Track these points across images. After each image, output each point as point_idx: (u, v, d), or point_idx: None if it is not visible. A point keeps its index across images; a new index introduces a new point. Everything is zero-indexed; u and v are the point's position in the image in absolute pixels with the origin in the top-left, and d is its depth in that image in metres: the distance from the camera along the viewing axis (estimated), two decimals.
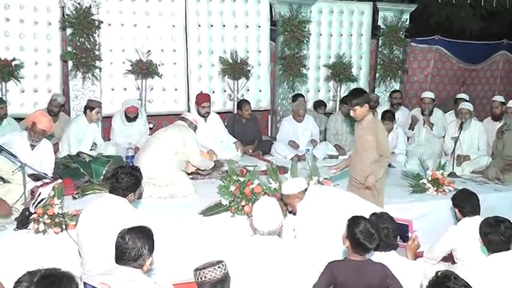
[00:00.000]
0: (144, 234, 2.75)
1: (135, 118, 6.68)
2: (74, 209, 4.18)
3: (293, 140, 7.23)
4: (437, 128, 6.95)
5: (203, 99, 6.72)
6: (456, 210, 3.94)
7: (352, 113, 4.37)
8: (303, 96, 7.89)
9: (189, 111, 7.47)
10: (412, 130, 7.12)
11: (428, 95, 7.11)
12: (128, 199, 3.38)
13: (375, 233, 2.98)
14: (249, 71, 7.90)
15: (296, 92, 8.05)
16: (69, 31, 6.83)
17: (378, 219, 3.23)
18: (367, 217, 3.15)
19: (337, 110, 8.35)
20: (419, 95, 9.26)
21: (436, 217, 5.12)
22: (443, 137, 7.03)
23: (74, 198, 4.86)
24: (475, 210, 3.86)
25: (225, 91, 7.97)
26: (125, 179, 3.34)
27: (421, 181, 5.55)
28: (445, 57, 9.75)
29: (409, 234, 3.59)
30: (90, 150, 6.15)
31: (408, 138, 7.22)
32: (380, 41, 8.71)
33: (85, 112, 6.21)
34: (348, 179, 4.65)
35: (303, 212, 3.77)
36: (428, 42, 9.64)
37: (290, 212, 4.14)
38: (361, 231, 2.96)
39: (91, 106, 6.18)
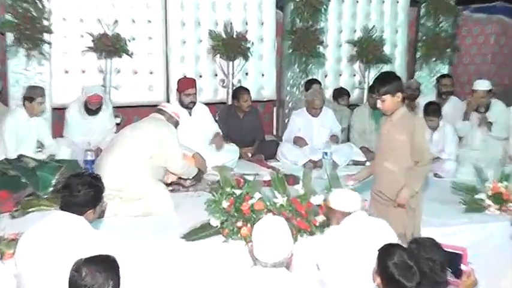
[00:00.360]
0: (107, 266, 2.76)
1: (97, 110, 6.73)
2: (12, 232, 4.16)
3: (304, 138, 7.22)
4: (498, 127, 6.96)
5: (187, 85, 6.75)
6: None
7: (379, 105, 4.40)
8: (319, 82, 7.91)
9: (168, 101, 7.46)
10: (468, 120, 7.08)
11: (481, 86, 7.09)
12: (85, 218, 3.37)
13: (413, 266, 2.97)
14: (249, 49, 7.93)
15: (310, 77, 8.06)
16: None
17: (420, 247, 3.23)
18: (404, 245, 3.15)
19: (365, 101, 8.32)
20: (474, 81, 9.27)
21: (499, 244, 5.10)
22: (507, 138, 7.04)
23: (13, 216, 4.83)
24: None
25: (216, 75, 8.00)
26: (81, 191, 3.34)
27: (477, 196, 5.52)
28: (511, 30, 9.71)
29: (463, 267, 3.56)
30: (36, 152, 6.15)
31: (460, 138, 7.19)
32: (422, 10, 8.76)
33: (24, 103, 6.19)
34: (370, 193, 4.65)
35: (330, 239, 3.77)
36: (488, 11, 9.64)
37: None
38: (396, 264, 2.96)
39: (30, 96, 6.14)
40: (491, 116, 6.99)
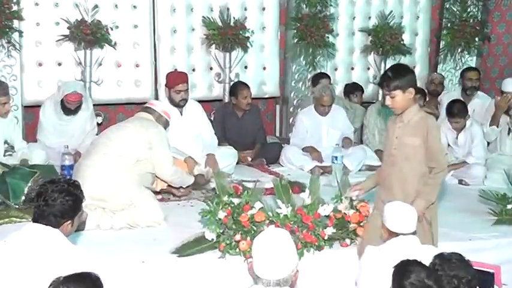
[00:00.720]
0: (88, 284, 2.76)
1: (76, 110, 6.73)
2: None
3: (312, 144, 7.24)
4: None
5: (177, 79, 6.72)
6: None
7: (388, 101, 4.35)
8: (329, 77, 7.94)
9: (157, 98, 7.49)
10: (497, 126, 7.09)
11: (510, 87, 7.06)
12: (61, 230, 3.36)
13: (433, 285, 2.98)
14: (248, 38, 7.95)
15: (318, 71, 8.08)
16: None
17: (444, 263, 3.23)
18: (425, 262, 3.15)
19: (380, 98, 8.34)
20: (506, 75, 9.24)
21: None
22: None
23: None
24: None
25: (211, 69, 8.03)
26: (58, 199, 3.32)
27: (509, 206, 5.54)
28: None
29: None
30: (4, 156, 6.18)
31: (488, 142, 7.22)
32: None
33: None
34: (374, 204, 4.62)
35: (370, 259, 3.79)
36: None
37: None
38: (413, 284, 2.98)
39: None
40: None
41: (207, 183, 5.99)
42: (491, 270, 3.63)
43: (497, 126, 7.09)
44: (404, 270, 3.04)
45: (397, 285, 3.02)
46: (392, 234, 3.83)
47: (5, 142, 6.38)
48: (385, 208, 3.88)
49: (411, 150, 4.31)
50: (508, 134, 7.04)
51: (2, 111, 6.19)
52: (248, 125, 7.46)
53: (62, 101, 6.65)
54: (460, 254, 3.34)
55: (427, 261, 3.59)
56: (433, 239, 4.34)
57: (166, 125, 5.60)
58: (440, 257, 3.29)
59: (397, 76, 4.32)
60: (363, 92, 8.32)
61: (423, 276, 2.99)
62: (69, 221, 3.38)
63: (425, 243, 4.06)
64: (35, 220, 3.36)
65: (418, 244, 3.76)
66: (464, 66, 8.51)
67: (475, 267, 3.34)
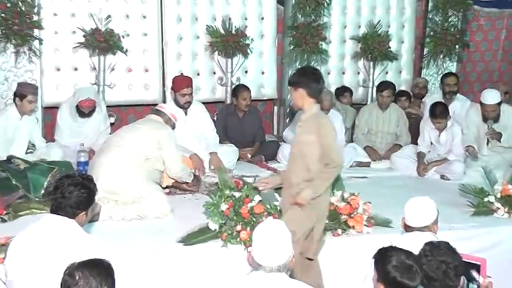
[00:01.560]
0: (100, 270, 2.75)
1: (90, 113, 6.71)
2: (3, 236, 4.17)
3: None
4: (509, 136, 6.90)
5: (182, 83, 6.70)
6: None
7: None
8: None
9: (164, 100, 7.48)
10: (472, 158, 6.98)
11: (490, 100, 6.78)
12: (77, 221, 3.37)
13: (413, 264, 2.98)
14: (248, 45, 7.94)
15: None
16: None
17: (434, 249, 3.23)
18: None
19: (370, 100, 8.36)
20: (483, 79, 9.30)
21: (508, 249, 5.11)
22: None
23: (3, 220, 4.86)
24: None
25: (214, 73, 8.00)
26: (74, 192, 3.33)
27: (486, 199, 5.54)
28: None
29: (481, 279, 3.53)
30: (26, 153, 6.17)
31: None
32: (430, 4, 8.76)
33: (15, 101, 6.21)
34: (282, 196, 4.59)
35: None
36: (499, 5, 9.60)
37: None
38: (396, 267, 2.97)
39: (22, 93, 6.17)
40: (501, 125, 6.89)
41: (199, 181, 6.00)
42: (477, 263, 3.59)
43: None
44: (384, 256, 3.03)
45: (381, 271, 3.01)
46: (409, 229, 3.88)
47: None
48: (406, 205, 3.93)
49: (306, 147, 4.24)
50: (487, 144, 6.96)
51: (28, 109, 6.18)
52: (248, 125, 7.46)
53: (77, 106, 6.62)
54: (447, 243, 3.33)
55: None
56: (315, 227, 4.28)
57: (173, 127, 5.62)
58: (430, 244, 3.28)
59: (295, 73, 4.39)
60: (351, 93, 8.30)
61: (403, 258, 2.99)
62: (83, 212, 3.39)
63: (303, 227, 4.11)
64: (52, 211, 3.37)
65: (429, 239, 3.70)
66: (446, 71, 8.52)
67: (463, 260, 3.31)
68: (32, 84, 6.57)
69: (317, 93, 4.26)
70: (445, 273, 3.15)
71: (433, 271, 3.11)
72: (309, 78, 4.25)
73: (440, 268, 3.14)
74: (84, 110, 6.63)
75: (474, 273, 3.52)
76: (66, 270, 2.74)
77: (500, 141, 6.88)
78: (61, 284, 2.72)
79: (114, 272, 2.80)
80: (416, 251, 3.28)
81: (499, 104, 6.85)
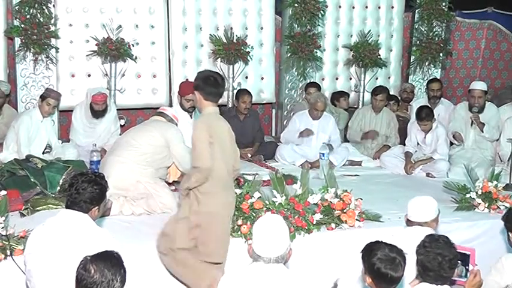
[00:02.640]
0: (113, 262, 2.73)
1: (103, 113, 6.71)
2: (22, 230, 4.16)
3: (303, 144, 7.22)
4: (490, 128, 6.94)
5: (187, 90, 6.60)
6: (510, 234, 3.91)
7: None
8: (318, 85, 7.94)
9: (171, 104, 7.48)
10: (458, 143, 7.10)
11: (478, 86, 7.09)
12: (90, 215, 3.37)
13: (397, 256, 2.99)
14: (248, 53, 7.94)
15: (308, 81, 8.11)
16: (16, 0, 6.84)
17: (432, 242, 3.24)
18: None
19: (361, 104, 8.36)
20: (466, 85, 9.28)
21: (489, 242, 5.11)
22: (498, 139, 7.05)
23: (22, 215, 4.85)
24: None
25: None
26: (87, 188, 3.33)
27: (468, 195, 5.54)
28: (501, 36, 9.73)
29: (470, 267, 3.56)
30: (43, 153, 6.17)
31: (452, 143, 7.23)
32: (416, 15, 8.74)
33: (39, 102, 6.29)
34: None
35: None
36: (479, 17, 9.61)
37: None
38: (381, 259, 2.98)
39: (44, 94, 6.26)
40: (485, 118, 6.97)
41: None
42: (467, 252, 3.61)
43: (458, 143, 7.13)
44: (370, 250, 3.03)
45: (367, 264, 3.01)
46: (410, 224, 3.92)
47: None
48: (410, 202, 4.00)
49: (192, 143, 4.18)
50: (471, 125, 6.99)
51: (46, 110, 6.24)
52: (248, 127, 7.44)
53: (90, 105, 6.62)
54: (447, 237, 3.32)
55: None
56: (199, 213, 4.12)
57: None
58: (430, 236, 3.30)
59: (195, 77, 4.33)
60: (348, 97, 8.29)
61: (387, 251, 2.99)
62: (96, 207, 3.39)
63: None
64: (67, 207, 3.37)
65: (427, 233, 3.73)
66: (431, 77, 8.51)
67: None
68: (57, 91, 6.62)
69: (212, 96, 4.18)
70: (440, 264, 3.16)
71: (429, 261, 3.13)
72: (205, 83, 4.19)
73: (436, 259, 3.15)
74: (98, 107, 6.63)
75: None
76: (80, 264, 2.71)
77: (483, 131, 6.92)
78: (76, 278, 2.69)
79: (123, 262, 2.78)
80: (415, 243, 3.30)
81: (485, 93, 6.99)
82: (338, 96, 8.21)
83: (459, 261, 3.46)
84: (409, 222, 3.97)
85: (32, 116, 6.23)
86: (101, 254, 2.75)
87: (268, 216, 3.35)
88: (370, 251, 3.02)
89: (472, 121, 6.96)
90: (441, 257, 3.17)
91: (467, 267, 3.56)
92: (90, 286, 2.65)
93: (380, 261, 2.96)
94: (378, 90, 7.52)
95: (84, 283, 2.66)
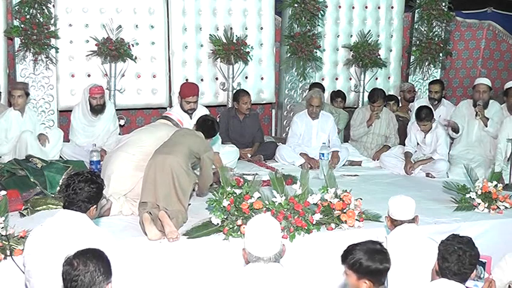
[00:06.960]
0: (94, 254, 2.74)
1: (102, 109, 6.71)
2: (22, 230, 4.15)
3: (303, 143, 7.24)
4: (493, 124, 6.93)
5: (189, 92, 6.56)
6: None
7: None
8: (322, 86, 7.97)
9: (170, 104, 7.48)
10: (456, 133, 7.09)
11: (483, 81, 7.15)
12: (88, 214, 3.39)
13: (383, 249, 2.99)
14: (248, 53, 7.94)
15: (308, 81, 8.16)
16: (15, 0, 6.85)
17: (456, 238, 3.26)
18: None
19: (361, 103, 8.37)
20: (465, 85, 9.31)
21: (489, 242, 5.04)
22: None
23: (22, 215, 4.85)
24: None
25: (217, 79, 8.00)
26: (84, 188, 3.35)
27: (468, 195, 5.53)
28: (501, 36, 9.75)
29: (486, 275, 3.57)
30: (41, 149, 6.20)
31: (453, 139, 7.22)
32: (416, 15, 8.76)
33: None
34: None
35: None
36: (479, 17, 9.63)
37: None
38: (361, 251, 2.98)
39: (9, 90, 6.43)
40: (488, 114, 6.96)
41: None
42: (484, 260, 3.61)
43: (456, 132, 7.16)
44: (350, 248, 3.05)
45: (348, 260, 3.01)
46: (395, 223, 3.89)
47: None
48: (389, 201, 3.95)
49: None
50: (476, 116, 6.96)
51: (17, 103, 6.30)
52: (248, 127, 7.44)
53: (89, 101, 6.63)
54: (471, 238, 3.33)
55: (424, 248, 3.69)
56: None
57: None
58: (453, 234, 3.31)
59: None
60: (345, 97, 8.28)
61: (369, 245, 3.02)
62: (94, 206, 3.42)
63: None
64: (65, 207, 3.38)
65: (417, 229, 3.84)
66: (431, 78, 8.55)
67: None
68: (21, 82, 6.65)
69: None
70: (459, 257, 3.16)
71: (449, 253, 3.14)
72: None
73: (455, 252, 3.16)
74: (96, 101, 6.63)
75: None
76: (64, 262, 2.72)
77: (486, 125, 6.93)
78: (62, 276, 2.70)
79: (105, 255, 2.78)
80: (415, 240, 3.30)
81: (490, 89, 7.05)
82: (334, 96, 8.22)
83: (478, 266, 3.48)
84: (395, 222, 3.90)
85: (7, 114, 6.29)
86: (81, 250, 2.76)
87: (257, 217, 3.33)
88: (351, 249, 3.02)
89: (477, 112, 6.94)
90: (462, 251, 3.17)
91: (481, 275, 3.56)
92: (75, 279, 2.66)
93: (362, 254, 2.96)
94: (374, 97, 7.45)
95: (69, 278, 2.67)
